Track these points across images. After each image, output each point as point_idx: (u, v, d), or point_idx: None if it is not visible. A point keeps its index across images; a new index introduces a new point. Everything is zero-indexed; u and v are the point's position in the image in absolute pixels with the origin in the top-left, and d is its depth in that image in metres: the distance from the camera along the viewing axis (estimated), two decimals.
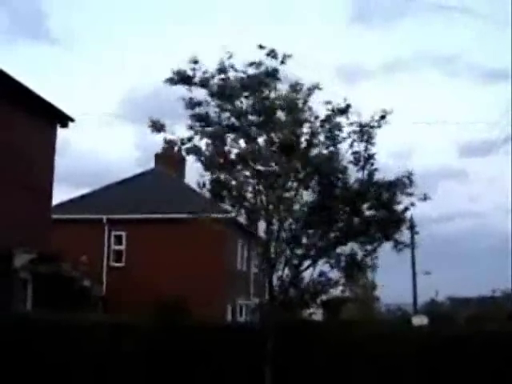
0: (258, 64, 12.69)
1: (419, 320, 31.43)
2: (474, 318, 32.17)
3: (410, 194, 12.94)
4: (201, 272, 28.53)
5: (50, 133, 20.92)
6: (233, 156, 13.02)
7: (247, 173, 12.97)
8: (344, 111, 12.71)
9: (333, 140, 12.80)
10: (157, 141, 13.41)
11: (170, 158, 34.78)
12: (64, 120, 21.03)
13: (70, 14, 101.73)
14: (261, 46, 12.57)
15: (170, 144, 13.62)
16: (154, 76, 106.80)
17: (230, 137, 12.96)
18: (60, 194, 35.05)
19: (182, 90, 13.04)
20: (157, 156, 36.17)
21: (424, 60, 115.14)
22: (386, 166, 13.11)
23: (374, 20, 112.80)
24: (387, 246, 13.17)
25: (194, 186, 14.01)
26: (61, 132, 21.45)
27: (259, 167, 12.78)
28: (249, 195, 13.10)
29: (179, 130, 13.15)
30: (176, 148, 15.95)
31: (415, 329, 18.02)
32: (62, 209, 30.43)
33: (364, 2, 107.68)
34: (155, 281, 27.95)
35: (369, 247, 13.11)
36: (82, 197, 33.58)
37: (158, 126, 13.10)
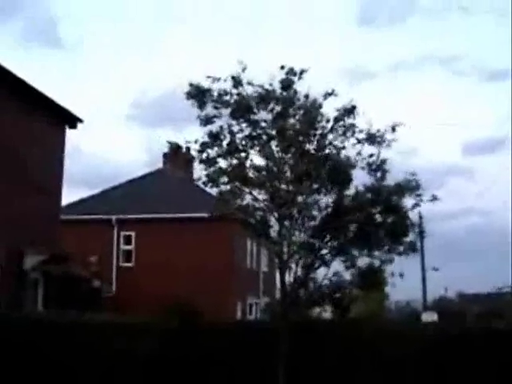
0: (280, 80, 13.03)
1: (429, 316, 31.43)
2: (484, 314, 32.11)
3: (419, 195, 13.08)
4: (210, 271, 28.59)
5: (59, 134, 20.98)
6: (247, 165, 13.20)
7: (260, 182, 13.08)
8: (351, 111, 12.86)
9: (343, 139, 12.95)
10: (166, 142, 13.56)
11: (177, 158, 34.84)
12: (73, 121, 21.08)
13: (79, 20, 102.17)
14: (282, 67, 12.95)
15: (184, 151, 13.78)
16: (165, 80, 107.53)
17: (247, 147, 13.10)
18: (71, 196, 35.17)
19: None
20: (165, 156, 36.22)
21: (429, 60, 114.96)
22: (393, 164, 13.28)
23: (378, 21, 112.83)
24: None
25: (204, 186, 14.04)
26: (72, 135, 21.58)
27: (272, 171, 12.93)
28: (261, 198, 13.20)
29: (190, 130, 13.34)
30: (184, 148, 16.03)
31: (424, 326, 17.99)
32: (72, 209, 30.51)
33: (368, 4, 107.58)
34: (165, 280, 28.04)
35: (384, 257, 13.14)
36: (91, 197, 33.67)
37: (174, 146, 13.57)
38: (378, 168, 13.12)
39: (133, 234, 31.08)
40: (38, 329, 14.22)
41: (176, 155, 33.06)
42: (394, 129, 12.98)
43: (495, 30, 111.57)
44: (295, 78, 13.02)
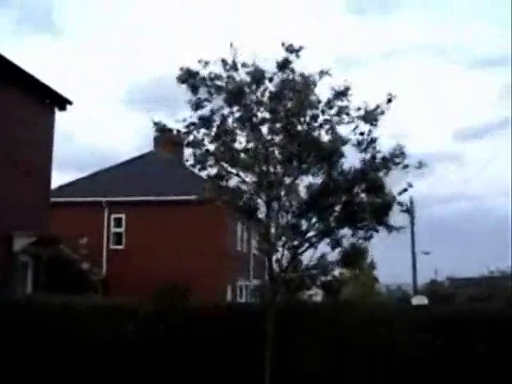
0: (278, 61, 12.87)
1: (419, 300, 31.52)
2: (474, 298, 32.24)
3: (406, 166, 12.87)
4: (201, 253, 28.60)
5: (48, 115, 20.82)
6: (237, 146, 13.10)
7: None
8: (344, 93, 12.73)
9: (336, 123, 12.83)
10: (152, 123, 13.42)
11: (168, 141, 34.69)
12: (61, 102, 20.92)
13: (74, 6, 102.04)
14: (283, 44, 12.75)
15: (174, 133, 13.68)
16: (158, 65, 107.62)
17: (237, 130, 13.07)
18: (63, 179, 35.25)
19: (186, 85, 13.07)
20: (156, 139, 36.07)
21: (420, 48, 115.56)
22: (384, 149, 13.09)
23: (370, 11, 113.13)
24: (383, 230, 13.08)
25: (192, 168, 13.99)
26: (64, 119, 21.52)
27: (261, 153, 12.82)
28: (249, 180, 13.12)
29: (182, 115, 13.18)
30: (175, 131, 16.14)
31: (414, 309, 18.00)
32: (62, 192, 30.43)
33: None
34: (155, 263, 28.02)
35: (363, 234, 13.03)
36: (82, 180, 33.58)
37: (160, 127, 13.37)
38: (367, 146, 12.94)
39: (123, 216, 31.04)
40: (26, 312, 14.18)
41: (166, 138, 32.91)
42: (389, 100, 12.77)
43: (487, 18, 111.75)
44: (293, 56, 12.81)
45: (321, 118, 12.82)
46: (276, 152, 12.89)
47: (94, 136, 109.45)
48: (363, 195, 12.92)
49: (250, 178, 13.10)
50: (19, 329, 14.01)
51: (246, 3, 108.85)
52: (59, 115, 21.26)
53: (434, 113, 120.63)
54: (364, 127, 12.89)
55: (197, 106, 13.08)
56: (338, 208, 12.96)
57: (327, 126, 12.84)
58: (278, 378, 12.87)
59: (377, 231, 13.02)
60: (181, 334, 13.79)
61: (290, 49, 12.78)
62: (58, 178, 40.11)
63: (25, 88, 18.94)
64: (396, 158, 12.79)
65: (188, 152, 13.45)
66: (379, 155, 12.90)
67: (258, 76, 12.81)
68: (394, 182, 12.94)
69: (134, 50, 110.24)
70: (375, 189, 12.77)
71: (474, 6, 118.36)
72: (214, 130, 13.08)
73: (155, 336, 13.78)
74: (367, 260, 13.54)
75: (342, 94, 12.81)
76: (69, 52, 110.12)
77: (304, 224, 13.09)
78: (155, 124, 13.29)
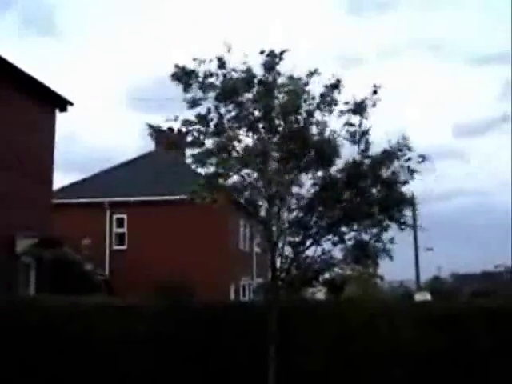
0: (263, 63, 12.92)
1: (422, 296, 31.58)
2: (477, 293, 32.30)
3: (409, 159, 12.85)
4: (203, 252, 28.64)
5: (49, 117, 20.84)
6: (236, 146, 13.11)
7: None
8: (336, 86, 12.79)
9: (328, 113, 12.87)
10: (147, 125, 13.55)
11: (170, 140, 34.63)
12: (62, 104, 20.93)
13: (74, 7, 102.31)
14: (261, 52, 12.82)
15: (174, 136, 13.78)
16: (160, 66, 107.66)
17: (232, 128, 13.05)
18: (66, 181, 35.28)
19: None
20: (156, 138, 36.02)
21: (418, 46, 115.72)
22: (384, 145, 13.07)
23: (367, 10, 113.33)
24: (392, 227, 13.04)
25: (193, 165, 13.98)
26: (66, 120, 21.54)
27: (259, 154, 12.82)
28: (249, 180, 13.14)
29: (183, 115, 13.20)
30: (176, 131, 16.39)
31: (416, 306, 18.03)
32: (64, 193, 30.49)
33: None
34: (158, 262, 28.00)
35: (374, 230, 12.98)
36: (83, 180, 33.61)
37: (155, 129, 13.77)
38: (360, 138, 12.95)
39: (125, 216, 31.07)
40: (29, 313, 14.19)
41: (167, 137, 32.86)
42: (375, 92, 12.80)
43: (486, 14, 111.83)
44: (277, 60, 12.83)
45: (317, 114, 12.87)
46: (274, 150, 12.89)
47: (95, 137, 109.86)
48: (372, 190, 12.91)
49: (249, 175, 13.10)
50: (22, 330, 14.01)
51: (243, 3, 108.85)
52: (60, 116, 21.34)
53: (434, 109, 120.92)
54: (355, 120, 12.95)
55: (193, 104, 13.07)
56: (343, 204, 12.91)
57: (320, 120, 12.87)
58: (281, 375, 12.89)
59: (387, 229, 12.95)
60: (184, 333, 13.80)
61: (272, 55, 12.83)
62: (59, 179, 40.15)
63: (25, 89, 18.95)
64: (399, 150, 12.79)
65: (189, 151, 13.53)
66: (379, 149, 12.91)
67: (248, 78, 12.83)
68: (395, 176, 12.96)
69: (134, 51, 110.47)
70: (379, 181, 12.78)
71: (474, 2, 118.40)
72: (212, 128, 13.07)
73: (160, 335, 13.79)
74: (380, 258, 13.46)
75: (334, 86, 12.87)
76: (68, 53, 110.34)
77: (306, 220, 13.08)
78: (150, 127, 13.42)
